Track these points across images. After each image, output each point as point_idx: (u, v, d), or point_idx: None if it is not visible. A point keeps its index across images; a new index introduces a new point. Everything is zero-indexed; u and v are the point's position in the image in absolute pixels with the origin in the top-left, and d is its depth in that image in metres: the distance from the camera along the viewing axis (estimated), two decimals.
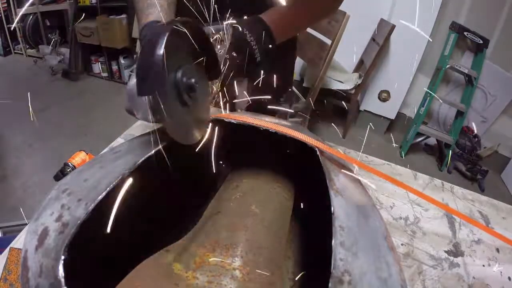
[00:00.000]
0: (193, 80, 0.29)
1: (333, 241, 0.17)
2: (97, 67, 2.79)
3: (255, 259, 0.21)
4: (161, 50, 0.25)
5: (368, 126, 2.45)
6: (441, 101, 2.17)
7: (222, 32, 0.45)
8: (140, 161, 0.21)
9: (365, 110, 2.44)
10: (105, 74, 2.78)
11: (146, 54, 0.25)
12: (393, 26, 1.87)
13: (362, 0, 1.98)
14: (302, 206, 0.33)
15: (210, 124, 0.30)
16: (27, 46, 3.00)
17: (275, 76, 0.50)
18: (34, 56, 2.94)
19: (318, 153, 0.24)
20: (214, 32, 0.45)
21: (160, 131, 0.26)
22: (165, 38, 0.25)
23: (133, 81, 0.30)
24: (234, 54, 0.45)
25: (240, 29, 0.46)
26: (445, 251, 0.47)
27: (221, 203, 0.27)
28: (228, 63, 0.44)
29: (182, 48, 0.30)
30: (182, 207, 0.35)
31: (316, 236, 0.32)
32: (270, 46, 0.49)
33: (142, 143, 0.25)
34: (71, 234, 0.17)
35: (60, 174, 1.50)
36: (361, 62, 2.28)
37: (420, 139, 2.26)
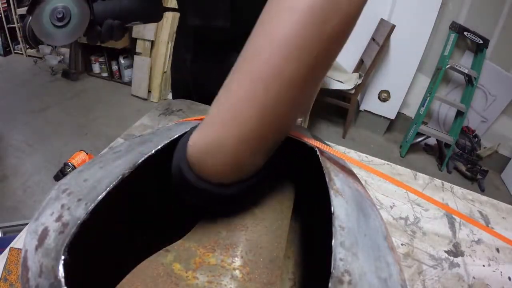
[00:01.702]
0: (60, 10, 0.42)
1: (333, 241, 0.17)
2: (97, 67, 2.79)
3: (255, 259, 0.21)
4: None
5: (368, 126, 2.45)
6: (441, 101, 2.17)
7: None
8: (140, 161, 0.21)
9: (365, 110, 2.44)
10: (105, 74, 2.78)
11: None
12: (393, 26, 1.87)
13: None
14: (302, 206, 0.33)
15: None
16: (27, 46, 3.00)
17: None
18: (34, 56, 2.94)
19: (318, 153, 0.24)
20: None
21: None
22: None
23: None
24: None
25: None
26: (445, 251, 0.47)
27: None
28: None
29: None
30: (182, 207, 0.35)
31: (316, 236, 0.32)
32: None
33: (142, 143, 0.25)
34: (71, 234, 0.17)
35: (60, 174, 1.50)
36: (361, 62, 2.28)
37: (420, 139, 2.26)
